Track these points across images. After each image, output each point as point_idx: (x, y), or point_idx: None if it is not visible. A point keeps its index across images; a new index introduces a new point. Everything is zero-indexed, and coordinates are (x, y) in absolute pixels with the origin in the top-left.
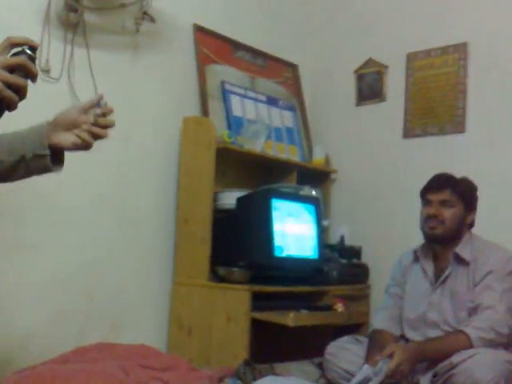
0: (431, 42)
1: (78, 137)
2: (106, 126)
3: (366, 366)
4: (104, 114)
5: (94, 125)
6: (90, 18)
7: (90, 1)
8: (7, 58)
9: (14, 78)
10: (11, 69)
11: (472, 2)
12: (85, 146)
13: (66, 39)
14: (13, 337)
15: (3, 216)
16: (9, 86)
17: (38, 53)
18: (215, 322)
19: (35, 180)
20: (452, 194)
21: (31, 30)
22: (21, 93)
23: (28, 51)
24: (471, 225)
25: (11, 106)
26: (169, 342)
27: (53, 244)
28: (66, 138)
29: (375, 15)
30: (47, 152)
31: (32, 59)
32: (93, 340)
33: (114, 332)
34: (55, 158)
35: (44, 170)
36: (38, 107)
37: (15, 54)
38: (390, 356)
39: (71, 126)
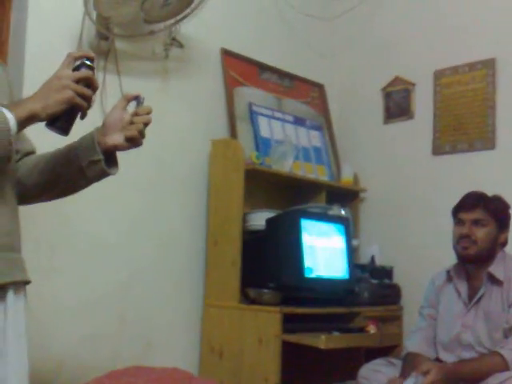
0: (458, 59)
1: (129, 136)
2: (143, 124)
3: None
4: (140, 113)
5: (131, 123)
6: (120, 45)
7: (120, 29)
8: (76, 73)
9: (84, 89)
10: (77, 81)
11: (498, 18)
12: (134, 144)
13: (97, 66)
14: (46, 361)
15: (36, 241)
16: (78, 95)
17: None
18: (246, 345)
19: (66, 204)
20: (485, 213)
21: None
22: (89, 102)
23: (87, 62)
24: (504, 244)
25: (82, 113)
26: (200, 364)
27: (85, 268)
28: (115, 138)
29: (401, 33)
30: (101, 156)
31: (92, 69)
32: (125, 363)
33: (147, 354)
34: (110, 161)
35: (101, 174)
36: (72, 133)
37: (77, 67)
38: (425, 374)
39: (118, 125)
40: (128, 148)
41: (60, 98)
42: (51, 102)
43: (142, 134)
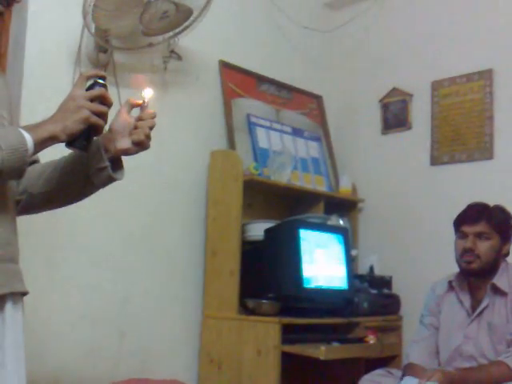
0: (456, 70)
1: (137, 140)
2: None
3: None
4: (144, 118)
5: (135, 128)
6: (119, 57)
7: (119, 41)
8: (89, 92)
9: (99, 107)
10: (91, 99)
11: (496, 29)
12: (142, 148)
13: None
14: (45, 374)
15: (36, 255)
16: (94, 113)
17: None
18: (245, 356)
19: (65, 216)
20: (488, 226)
21: (63, 71)
22: (104, 119)
23: (100, 81)
24: (507, 254)
25: (99, 131)
26: (199, 375)
27: (84, 281)
28: (124, 143)
29: (399, 44)
30: (107, 163)
31: (105, 87)
32: (125, 376)
33: (146, 367)
34: (116, 166)
35: (108, 180)
36: None
37: (90, 86)
38: (429, 379)
39: (126, 130)
40: (136, 152)
41: (77, 118)
42: (69, 123)
43: (148, 138)
